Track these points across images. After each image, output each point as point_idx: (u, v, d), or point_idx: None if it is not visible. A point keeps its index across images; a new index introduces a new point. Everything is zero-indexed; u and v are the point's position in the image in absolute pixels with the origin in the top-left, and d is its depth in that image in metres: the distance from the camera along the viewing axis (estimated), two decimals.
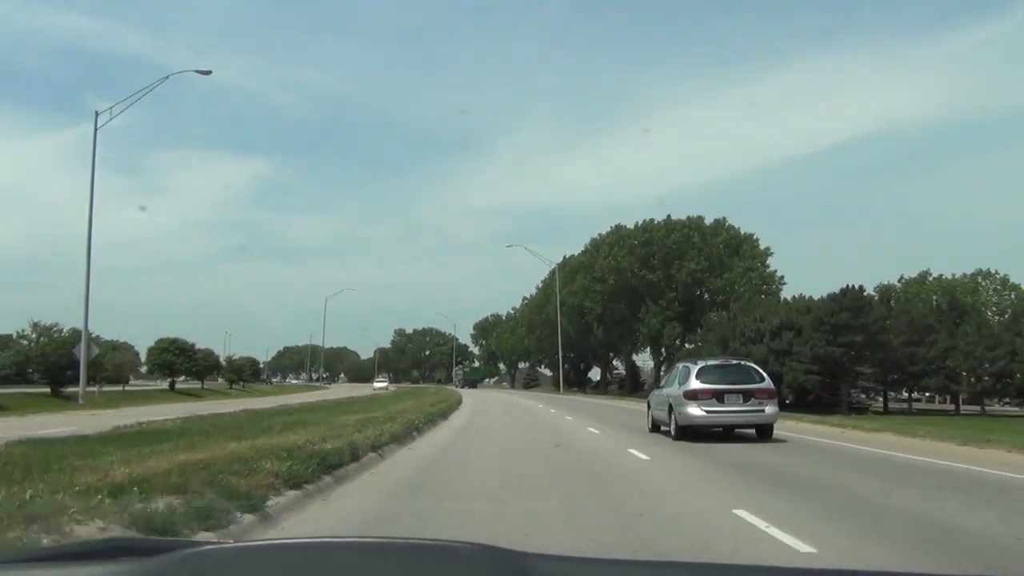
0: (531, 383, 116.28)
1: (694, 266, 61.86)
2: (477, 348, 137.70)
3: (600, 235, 69.43)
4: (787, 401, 41.50)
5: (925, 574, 4.78)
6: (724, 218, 65.54)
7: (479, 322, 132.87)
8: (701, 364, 17.50)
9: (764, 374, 17.68)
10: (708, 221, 65.16)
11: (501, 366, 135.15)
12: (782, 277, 63.47)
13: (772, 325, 46.24)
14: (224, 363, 79.54)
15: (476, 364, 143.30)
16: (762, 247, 63.99)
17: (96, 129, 34.30)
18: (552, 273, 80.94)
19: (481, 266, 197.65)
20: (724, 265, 62.68)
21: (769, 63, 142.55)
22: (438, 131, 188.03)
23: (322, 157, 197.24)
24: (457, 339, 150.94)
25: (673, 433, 16.68)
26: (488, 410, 35.44)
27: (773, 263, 63.69)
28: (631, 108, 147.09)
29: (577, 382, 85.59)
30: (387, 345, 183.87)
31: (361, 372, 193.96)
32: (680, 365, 18.86)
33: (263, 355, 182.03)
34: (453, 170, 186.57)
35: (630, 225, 66.42)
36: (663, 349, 63.24)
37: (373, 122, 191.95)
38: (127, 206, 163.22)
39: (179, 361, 58.72)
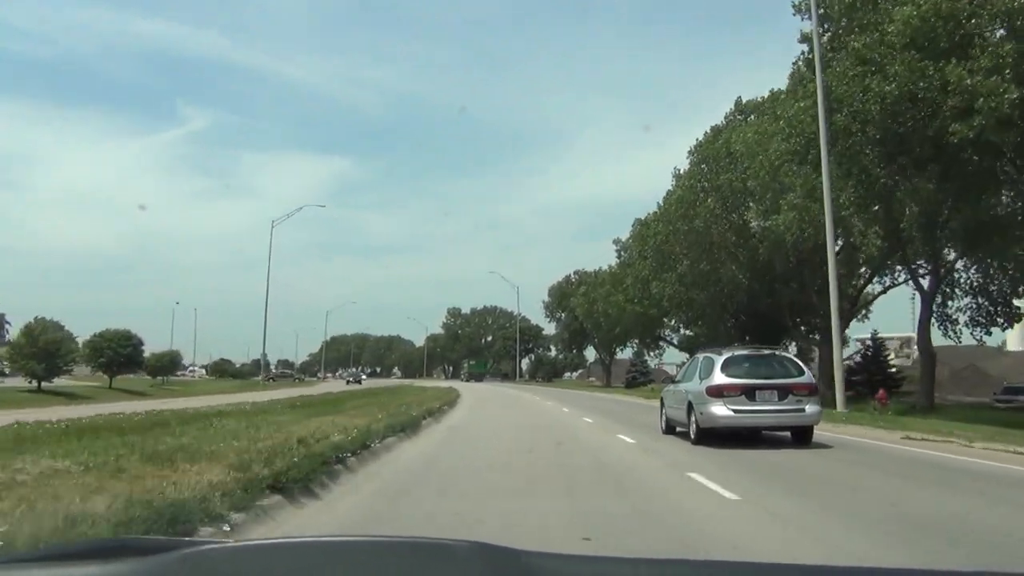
0: (638, 379, 71.70)
1: None
2: (554, 325, 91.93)
3: None
4: None
5: (924, 570, 3.85)
6: None
7: (555, 285, 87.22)
8: (727, 355, 14.34)
9: (804, 367, 14.94)
10: None
11: (590, 353, 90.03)
12: None
13: None
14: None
15: (551, 352, 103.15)
16: None
17: None
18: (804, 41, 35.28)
19: (555, 263, 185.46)
20: None
21: None
22: (508, 127, 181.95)
23: (398, 155, 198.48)
24: (526, 318, 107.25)
25: (693, 436, 13.86)
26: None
27: None
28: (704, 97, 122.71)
29: None
30: (439, 331, 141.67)
31: (410, 365, 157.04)
32: (700, 356, 15.76)
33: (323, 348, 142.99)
34: (528, 167, 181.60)
35: None
36: None
37: (445, 119, 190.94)
38: (212, 206, 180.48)
39: None
